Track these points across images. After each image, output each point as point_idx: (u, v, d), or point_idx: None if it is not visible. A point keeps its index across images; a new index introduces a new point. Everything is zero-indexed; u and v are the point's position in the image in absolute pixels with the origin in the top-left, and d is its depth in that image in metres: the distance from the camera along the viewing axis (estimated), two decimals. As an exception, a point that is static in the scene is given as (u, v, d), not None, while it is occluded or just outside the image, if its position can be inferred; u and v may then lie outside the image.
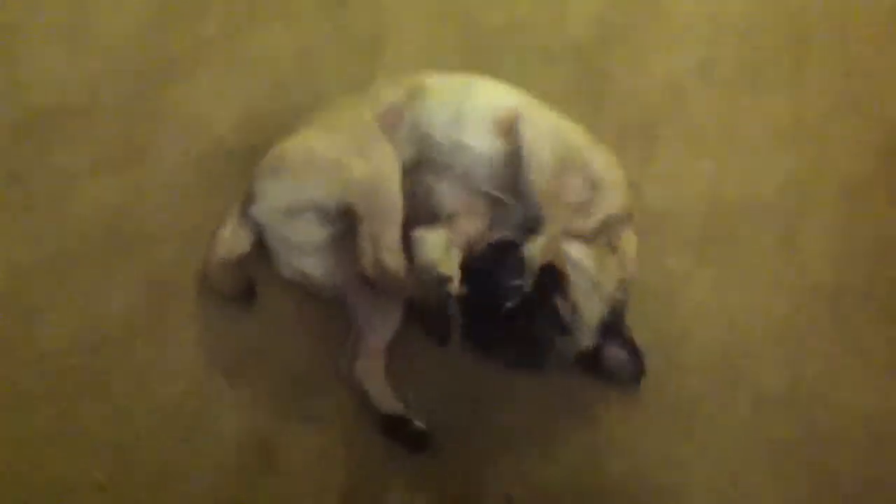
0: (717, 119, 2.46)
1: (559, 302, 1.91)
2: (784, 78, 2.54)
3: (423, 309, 1.91)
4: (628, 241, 2.03)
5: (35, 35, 2.84)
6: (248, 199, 2.09)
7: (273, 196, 2.05)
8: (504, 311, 1.88)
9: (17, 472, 2.04)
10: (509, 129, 2.01)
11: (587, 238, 1.95)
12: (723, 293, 2.11)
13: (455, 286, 1.85)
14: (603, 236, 1.98)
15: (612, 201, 2.00)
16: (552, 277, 1.90)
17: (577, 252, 1.94)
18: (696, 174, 2.34)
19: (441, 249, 1.90)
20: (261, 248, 2.16)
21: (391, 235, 1.90)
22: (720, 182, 2.32)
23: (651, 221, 2.21)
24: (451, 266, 1.89)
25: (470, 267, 1.93)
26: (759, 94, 2.51)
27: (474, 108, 2.04)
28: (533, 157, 1.97)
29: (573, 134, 2.07)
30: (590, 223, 1.96)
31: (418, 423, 2.02)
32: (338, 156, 2.01)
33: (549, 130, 2.03)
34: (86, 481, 2.03)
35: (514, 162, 1.99)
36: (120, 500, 2.02)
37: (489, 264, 1.92)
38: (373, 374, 2.06)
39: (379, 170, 1.97)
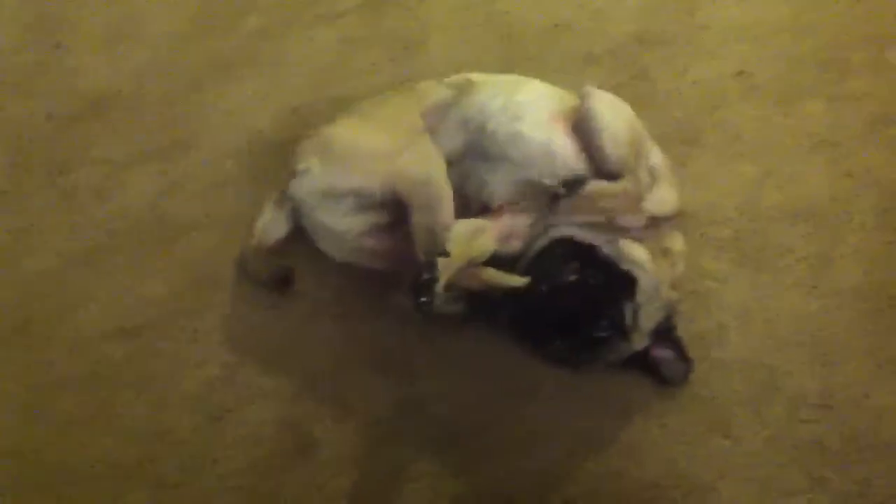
0: (755, 125, 2.46)
1: (626, 305, 1.90)
2: (823, 87, 2.54)
3: (476, 293, 1.91)
4: (676, 240, 2.02)
5: (86, 28, 2.90)
6: (289, 175, 2.11)
7: (316, 176, 2.07)
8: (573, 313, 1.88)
9: (57, 453, 2.06)
10: (566, 123, 2.01)
11: (637, 232, 1.94)
12: (759, 295, 2.10)
13: (439, 281, 1.80)
14: (652, 233, 1.97)
15: (668, 198, 2.01)
16: (624, 281, 1.91)
17: (639, 254, 1.93)
18: (734, 178, 2.34)
19: (463, 239, 1.89)
20: (297, 238, 2.19)
21: (444, 224, 1.91)
22: (757, 187, 2.31)
23: (688, 222, 2.21)
24: (464, 255, 1.86)
25: (534, 260, 1.93)
26: (797, 102, 2.50)
27: (529, 101, 2.05)
28: (608, 128, 1.96)
29: (636, 122, 2.07)
30: (643, 214, 1.95)
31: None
32: (389, 148, 2.02)
33: (621, 108, 2.04)
34: (124, 462, 2.05)
35: (584, 137, 2.00)
36: (155, 481, 2.04)
37: (554, 259, 1.92)
38: None
39: (430, 164, 1.99)
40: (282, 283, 2.14)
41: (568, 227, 1.90)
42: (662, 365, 1.98)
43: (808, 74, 2.58)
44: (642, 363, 1.98)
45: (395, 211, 1.99)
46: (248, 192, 2.36)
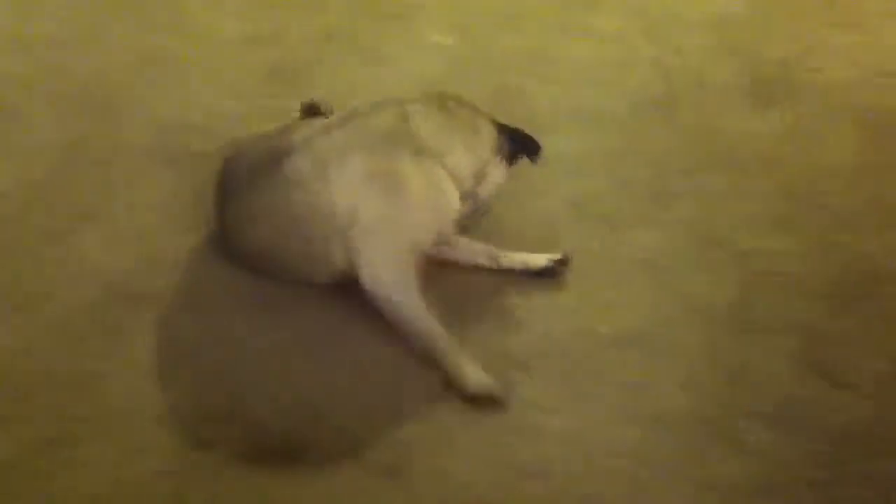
0: (586, 253, 2.61)
1: None
2: (647, 216, 2.72)
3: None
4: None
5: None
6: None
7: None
8: None
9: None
10: None
11: None
12: (582, 425, 2.19)
13: None
14: None
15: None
16: None
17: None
18: (563, 307, 2.47)
19: None
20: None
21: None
22: (589, 315, 2.45)
23: (522, 353, 2.34)
24: None
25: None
26: (624, 230, 2.67)
27: None
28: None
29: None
30: None
31: None
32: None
33: None
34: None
35: None
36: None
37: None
38: None
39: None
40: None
41: None
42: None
43: (635, 203, 2.76)
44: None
45: None
46: (101, 349, 2.40)
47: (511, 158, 2.55)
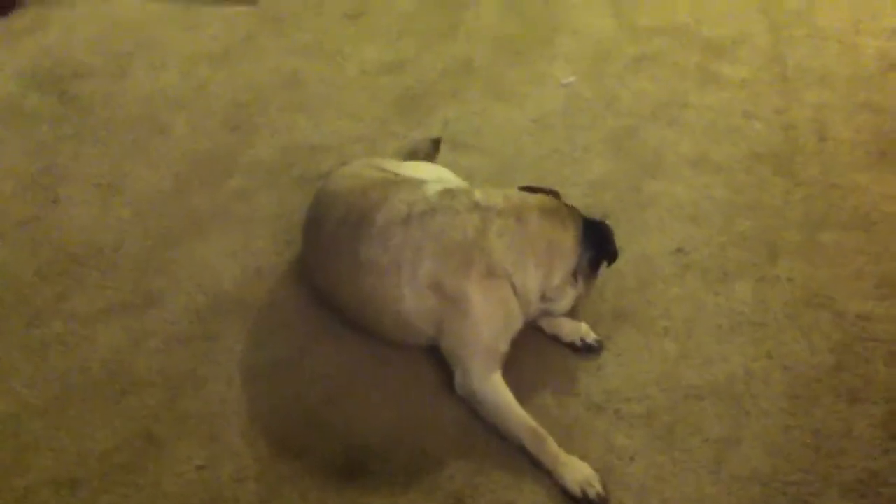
0: (684, 303, 2.58)
1: None
2: (753, 269, 2.67)
3: None
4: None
5: (81, 183, 3.16)
6: None
7: None
8: None
9: None
10: None
11: None
12: (661, 474, 2.17)
13: None
14: None
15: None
16: None
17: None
18: (655, 355, 2.45)
19: None
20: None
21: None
22: (677, 365, 2.42)
23: (604, 396, 2.33)
24: None
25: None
26: (727, 281, 2.63)
27: None
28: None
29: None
30: None
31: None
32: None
33: None
34: None
35: None
36: None
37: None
38: None
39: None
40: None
41: None
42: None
43: (741, 255, 2.71)
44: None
45: None
46: (202, 352, 2.53)
47: (592, 270, 2.48)
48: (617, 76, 3.57)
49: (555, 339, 2.49)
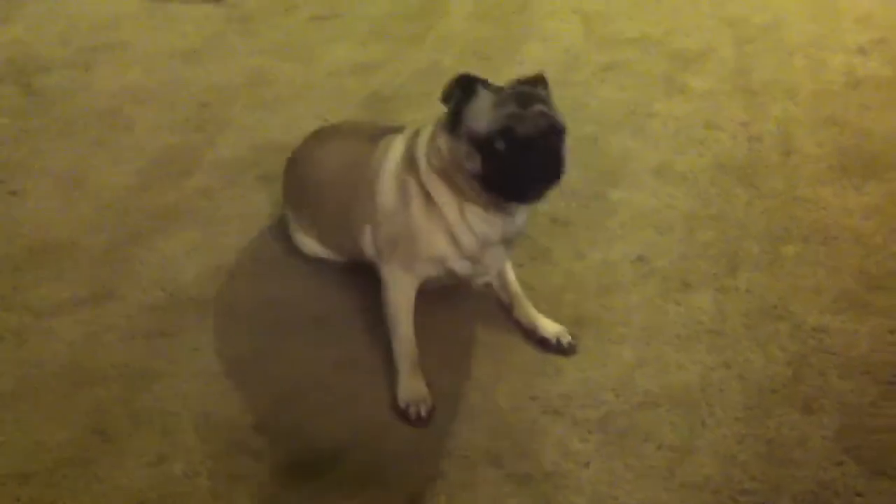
0: (644, 311, 2.59)
1: None
2: (714, 279, 2.68)
3: None
4: None
5: (41, 177, 3.13)
6: None
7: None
8: None
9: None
10: None
11: None
12: (614, 480, 2.17)
13: None
14: None
15: None
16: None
17: None
18: (613, 361, 2.45)
19: None
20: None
21: None
22: (634, 372, 2.42)
23: (561, 401, 2.33)
24: None
25: None
26: (687, 290, 2.64)
27: None
28: None
29: None
30: None
31: None
32: None
33: None
34: None
35: None
36: None
37: None
38: None
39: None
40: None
41: None
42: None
43: (702, 265, 2.73)
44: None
45: None
46: (159, 348, 2.51)
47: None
48: (584, 84, 3.60)
49: (529, 334, 2.50)
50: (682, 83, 3.57)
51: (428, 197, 2.32)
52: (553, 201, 2.96)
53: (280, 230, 2.85)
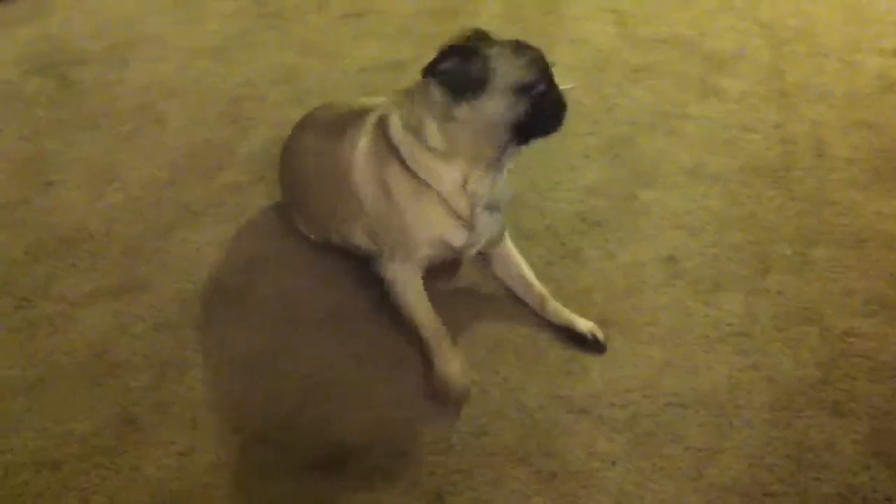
0: (672, 311, 2.58)
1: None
2: (744, 281, 2.66)
3: None
4: None
5: (75, 168, 3.15)
6: None
7: None
8: None
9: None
10: None
11: None
12: (641, 480, 2.16)
13: None
14: None
15: None
16: None
17: None
18: (641, 361, 2.44)
19: None
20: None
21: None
22: (662, 373, 2.41)
23: (588, 400, 2.32)
24: None
25: None
26: (716, 291, 2.63)
27: None
28: None
29: None
30: None
31: None
32: None
33: None
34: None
35: None
36: None
37: None
38: None
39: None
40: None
41: None
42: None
43: (732, 266, 2.71)
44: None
45: None
46: (188, 340, 2.52)
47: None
48: (616, 84, 3.58)
49: (564, 331, 2.49)
50: (715, 84, 3.55)
51: (413, 179, 2.35)
52: (584, 201, 2.96)
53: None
